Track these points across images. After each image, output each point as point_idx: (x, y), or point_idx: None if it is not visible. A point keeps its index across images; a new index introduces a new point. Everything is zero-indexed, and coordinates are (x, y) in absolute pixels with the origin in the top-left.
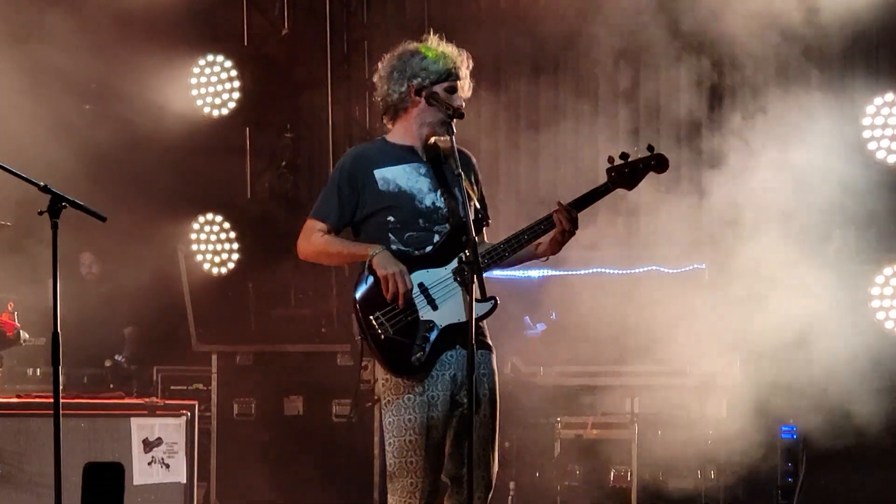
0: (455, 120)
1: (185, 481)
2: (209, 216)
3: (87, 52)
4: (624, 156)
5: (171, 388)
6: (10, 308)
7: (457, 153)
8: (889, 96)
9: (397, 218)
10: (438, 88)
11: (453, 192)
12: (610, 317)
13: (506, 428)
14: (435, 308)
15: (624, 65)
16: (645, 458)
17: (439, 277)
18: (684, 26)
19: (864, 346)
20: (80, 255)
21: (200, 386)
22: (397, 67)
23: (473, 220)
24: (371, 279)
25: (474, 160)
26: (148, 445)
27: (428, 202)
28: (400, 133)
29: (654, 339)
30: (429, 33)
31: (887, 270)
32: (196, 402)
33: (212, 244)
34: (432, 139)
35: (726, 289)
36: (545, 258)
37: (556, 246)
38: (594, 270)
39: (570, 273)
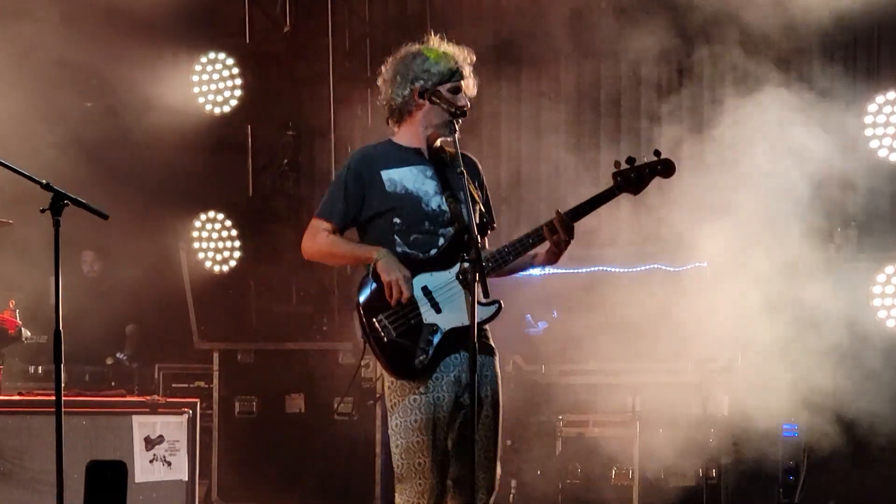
0: (460, 120)
1: (186, 479)
2: (211, 214)
3: (88, 49)
4: (630, 160)
5: (173, 385)
6: (11, 306)
7: (460, 155)
8: (891, 94)
9: (403, 219)
10: (442, 90)
11: (458, 195)
12: (612, 315)
13: (507, 426)
14: (438, 311)
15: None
16: (646, 456)
17: (443, 281)
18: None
19: (865, 345)
20: (82, 252)
21: (202, 384)
22: (400, 71)
23: (478, 224)
24: (375, 283)
25: (479, 164)
26: (149, 443)
27: (434, 205)
28: (406, 135)
29: (655, 337)
30: (430, 32)
31: (889, 269)
32: (198, 400)
33: (213, 242)
34: (438, 142)
35: (728, 287)
36: (542, 267)
37: (553, 256)
38: (596, 269)
39: (571, 271)
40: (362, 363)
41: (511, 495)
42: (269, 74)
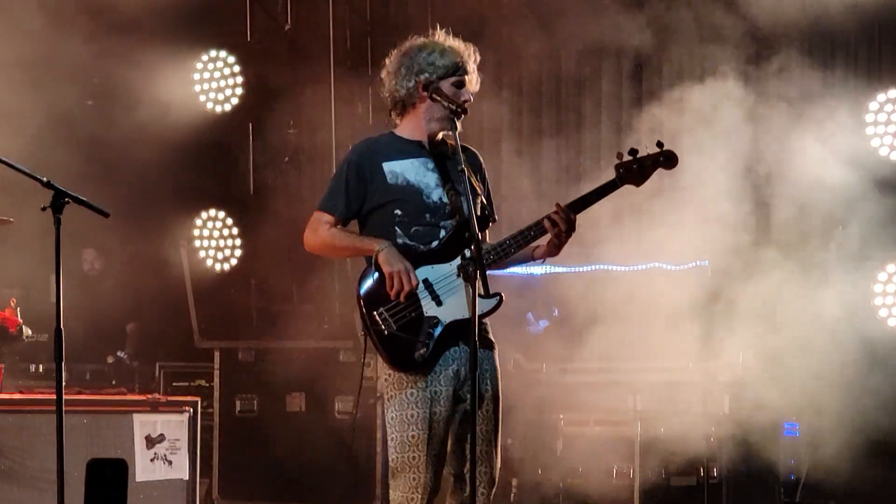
0: (461, 116)
1: (187, 478)
2: (212, 212)
3: (89, 47)
4: (633, 151)
5: (174, 384)
6: (12, 304)
7: (461, 149)
8: (892, 93)
9: (404, 211)
10: (446, 83)
11: (459, 188)
12: (613, 314)
13: (508, 425)
14: (439, 304)
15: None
16: (648, 455)
17: (444, 273)
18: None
19: (866, 344)
20: (83, 250)
21: (203, 382)
22: (405, 63)
23: (479, 217)
24: (376, 275)
25: (481, 158)
26: (150, 442)
27: (435, 197)
28: (408, 128)
29: (656, 336)
30: (434, 29)
31: (890, 267)
32: (198, 399)
33: (214, 240)
34: (440, 135)
35: (729, 286)
36: (543, 260)
37: (554, 248)
38: (597, 267)
39: (572, 270)
40: (364, 361)
41: (512, 494)
42: (271, 72)
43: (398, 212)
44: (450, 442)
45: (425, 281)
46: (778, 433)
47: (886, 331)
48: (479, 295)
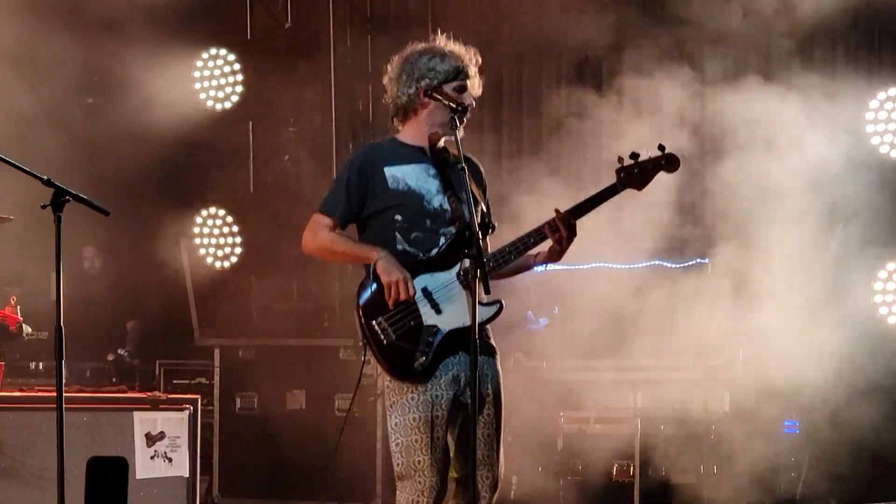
0: (462, 117)
1: (187, 475)
2: (212, 210)
3: (89, 45)
4: (634, 155)
5: (174, 382)
6: (12, 302)
7: (462, 155)
8: (893, 91)
9: (405, 217)
10: (447, 88)
11: (460, 195)
12: (613, 311)
13: (508, 422)
14: (438, 312)
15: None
16: (648, 452)
17: (443, 281)
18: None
19: (866, 342)
20: (83, 248)
21: (203, 380)
22: (406, 69)
23: (480, 225)
24: (374, 285)
25: (482, 166)
26: (150, 439)
27: (436, 203)
28: (410, 134)
29: (657, 333)
30: (434, 30)
31: (890, 265)
32: (199, 397)
33: (214, 238)
34: (441, 141)
35: (729, 283)
36: (544, 267)
37: (556, 255)
38: (597, 265)
39: (573, 267)
40: (364, 359)
41: (512, 492)
42: (271, 70)
43: (398, 217)
44: (452, 446)
45: (424, 289)
46: (778, 431)
47: (887, 328)
48: (480, 302)
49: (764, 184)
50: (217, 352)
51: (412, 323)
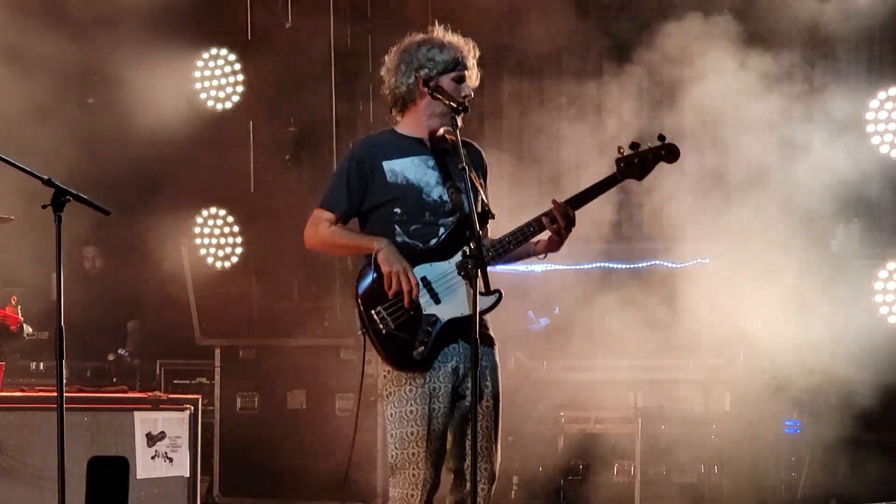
0: (462, 113)
1: (188, 475)
2: (212, 210)
3: (90, 45)
4: (634, 145)
5: (175, 382)
6: (13, 302)
7: (461, 146)
8: (893, 90)
9: (404, 210)
10: (446, 79)
11: (460, 185)
12: (614, 311)
13: (509, 422)
14: (437, 302)
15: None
16: (648, 452)
17: (443, 271)
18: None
19: (867, 341)
20: (84, 248)
21: (204, 380)
22: (404, 59)
23: (479, 214)
24: (374, 274)
25: (484, 154)
26: (151, 439)
27: (435, 195)
28: (409, 125)
29: (657, 333)
30: (434, 25)
31: (891, 265)
32: (199, 396)
33: (215, 238)
34: (441, 131)
35: (729, 283)
36: (544, 255)
37: (555, 244)
38: (598, 265)
39: (573, 267)
40: (365, 359)
41: (513, 491)
42: (271, 70)
43: (398, 210)
44: (449, 438)
45: (423, 279)
46: (779, 431)
47: (887, 328)
48: (479, 292)
49: (765, 183)
50: (218, 352)
51: (411, 312)
